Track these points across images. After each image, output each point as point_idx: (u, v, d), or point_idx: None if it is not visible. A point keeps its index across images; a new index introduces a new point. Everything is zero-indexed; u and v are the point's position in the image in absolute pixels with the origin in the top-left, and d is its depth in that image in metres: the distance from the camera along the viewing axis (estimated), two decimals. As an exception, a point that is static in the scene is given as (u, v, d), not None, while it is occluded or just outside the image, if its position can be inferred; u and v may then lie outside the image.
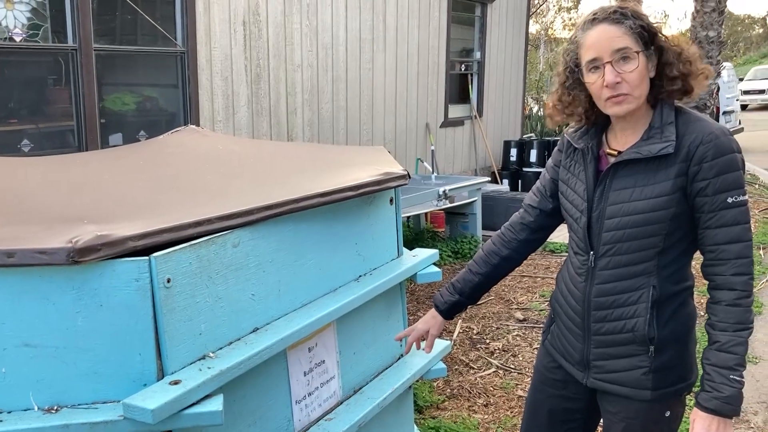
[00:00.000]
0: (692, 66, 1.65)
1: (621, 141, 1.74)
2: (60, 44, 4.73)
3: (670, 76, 1.65)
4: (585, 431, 2.01)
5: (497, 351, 4.39)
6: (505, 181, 9.21)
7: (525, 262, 6.88)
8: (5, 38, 4.46)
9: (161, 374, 1.61)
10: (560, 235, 7.31)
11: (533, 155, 9.29)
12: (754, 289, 5.04)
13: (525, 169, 9.26)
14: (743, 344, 1.58)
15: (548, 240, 7.39)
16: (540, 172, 9.34)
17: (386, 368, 2.47)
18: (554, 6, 26.63)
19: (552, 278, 5.93)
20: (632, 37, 1.61)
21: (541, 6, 21.55)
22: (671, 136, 1.62)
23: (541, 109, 13.18)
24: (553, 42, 23.50)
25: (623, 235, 1.68)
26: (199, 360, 1.69)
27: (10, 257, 1.48)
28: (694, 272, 1.78)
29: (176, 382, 1.57)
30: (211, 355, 1.72)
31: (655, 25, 1.64)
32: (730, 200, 1.58)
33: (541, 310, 5.11)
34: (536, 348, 4.40)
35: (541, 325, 4.79)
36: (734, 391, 1.57)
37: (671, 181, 1.61)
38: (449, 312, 2.11)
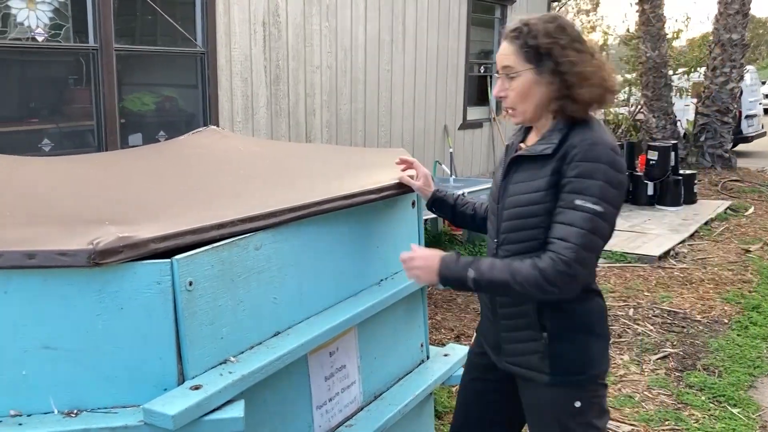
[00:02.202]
0: (587, 83, 1.70)
1: (529, 142, 1.87)
2: (81, 44, 4.74)
3: (564, 93, 1.72)
4: (511, 417, 2.02)
5: (517, 356, 4.34)
6: (525, 185, 9.12)
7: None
8: (27, 38, 4.48)
9: (182, 379, 1.58)
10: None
11: (552, 158, 9.21)
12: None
13: (544, 173, 9.19)
14: (500, 277, 1.69)
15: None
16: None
17: (407, 374, 2.43)
18: (573, 9, 26.48)
19: (572, 283, 5.86)
20: (521, 55, 1.72)
21: (559, 9, 21.42)
22: (554, 140, 1.73)
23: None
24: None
25: (513, 225, 1.79)
26: (220, 364, 1.67)
27: (31, 258, 1.47)
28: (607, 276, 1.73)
29: (197, 387, 1.54)
30: (233, 359, 1.69)
31: (558, 42, 1.69)
32: (578, 202, 1.64)
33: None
34: (556, 354, 4.35)
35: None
36: (458, 273, 1.74)
37: (547, 178, 1.71)
38: (436, 200, 2.17)
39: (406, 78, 7.75)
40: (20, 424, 1.48)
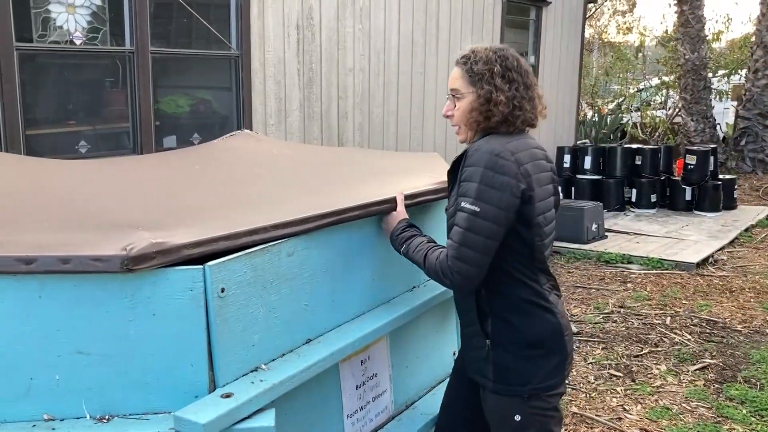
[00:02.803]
0: (500, 107, 1.87)
1: None
2: (117, 47, 4.81)
3: (485, 114, 1.89)
4: (484, 419, 2.04)
5: (550, 364, 4.27)
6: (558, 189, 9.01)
7: (579, 273, 6.60)
8: (66, 41, 4.55)
9: (213, 386, 1.57)
10: (616, 245, 7.14)
11: (587, 162, 9.06)
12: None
13: (579, 176, 9.04)
14: (418, 259, 1.89)
15: (603, 250, 7.12)
16: (594, 180, 9.03)
17: (439, 383, 2.39)
18: (609, 9, 26.11)
19: (607, 290, 5.76)
20: (466, 79, 1.91)
21: (595, 10, 21.14)
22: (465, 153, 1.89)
23: (596, 115, 12.91)
24: (607, 46, 23.04)
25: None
26: (252, 372, 1.65)
27: (66, 263, 1.47)
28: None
29: (228, 395, 1.53)
30: (264, 367, 1.67)
31: (491, 69, 1.87)
32: (462, 204, 1.80)
33: (595, 323, 4.96)
34: (591, 363, 4.26)
35: (596, 339, 4.64)
36: (395, 244, 1.99)
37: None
38: None
39: (439, 81, 7.71)
40: (53, 429, 1.48)
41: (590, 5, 12.12)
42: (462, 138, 1.98)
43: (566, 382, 1.99)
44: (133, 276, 1.51)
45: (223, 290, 1.57)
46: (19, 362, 1.49)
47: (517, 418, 1.88)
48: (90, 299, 1.50)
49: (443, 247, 1.86)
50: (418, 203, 2.16)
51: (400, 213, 2.06)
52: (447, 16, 7.73)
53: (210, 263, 1.55)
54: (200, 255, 1.58)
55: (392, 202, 2.07)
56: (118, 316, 1.51)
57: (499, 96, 1.86)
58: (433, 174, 2.37)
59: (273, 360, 1.71)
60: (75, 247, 1.51)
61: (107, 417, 1.52)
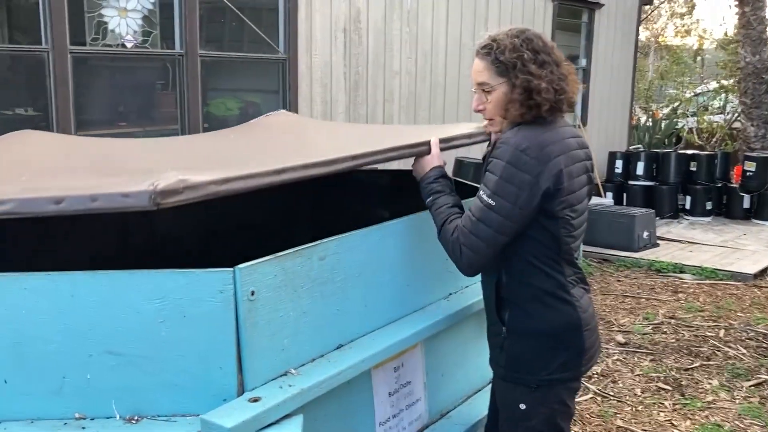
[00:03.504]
0: (543, 93, 1.80)
1: None
2: (168, 50, 4.89)
3: (526, 103, 1.82)
4: None
5: (595, 376, 4.14)
6: (609, 194, 8.78)
7: (629, 282, 6.43)
8: (118, 44, 4.66)
9: (241, 389, 1.56)
10: (668, 253, 6.92)
11: (640, 168, 8.81)
12: None
13: (631, 182, 8.80)
14: (437, 221, 1.90)
15: (654, 258, 6.90)
16: (647, 186, 8.78)
17: (476, 392, 2.34)
18: (666, 12, 25.46)
19: (658, 299, 5.58)
20: (492, 71, 1.84)
21: (652, 12, 20.63)
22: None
23: (650, 120, 12.58)
24: (664, 50, 22.45)
25: None
26: (281, 377, 1.63)
27: (94, 201, 1.45)
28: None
29: (256, 400, 1.52)
30: (293, 371, 1.66)
31: (522, 57, 1.81)
32: (479, 193, 1.81)
33: (644, 334, 4.80)
34: (638, 375, 4.13)
35: (644, 350, 4.50)
36: (423, 193, 1.98)
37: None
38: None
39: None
40: (83, 428, 1.49)
41: (646, 7, 11.82)
42: (497, 129, 1.94)
43: (581, 378, 1.97)
44: (164, 276, 1.51)
45: (253, 293, 1.56)
46: (52, 361, 1.51)
47: (522, 407, 1.88)
48: (122, 299, 1.51)
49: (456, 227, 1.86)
50: (454, 147, 2.11)
51: (434, 157, 2.02)
52: (496, 18, 7.64)
53: (240, 266, 1.54)
54: (227, 193, 1.54)
55: (426, 145, 2.03)
56: (149, 317, 1.52)
57: (540, 83, 1.79)
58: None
59: (303, 365, 1.69)
60: (104, 188, 1.50)
61: (136, 418, 1.53)
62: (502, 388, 1.96)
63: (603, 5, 9.19)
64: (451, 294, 2.18)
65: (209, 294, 1.53)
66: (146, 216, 3.42)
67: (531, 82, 1.79)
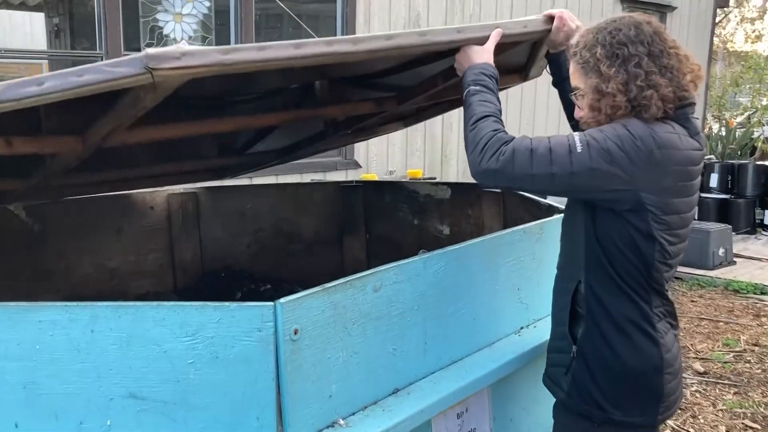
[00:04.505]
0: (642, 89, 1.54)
1: None
2: (222, 56, 4.77)
3: (628, 103, 1.56)
4: None
5: (672, 408, 3.79)
6: (680, 208, 8.32)
7: (704, 302, 5.98)
8: (172, 50, 4.56)
9: (281, 444, 1.34)
10: (746, 272, 6.44)
11: (714, 179, 8.30)
12: None
13: (704, 195, 8.29)
14: (476, 110, 1.65)
15: (732, 278, 6.44)
16: (722, 199, 8.26)
17: (548, 438, 2.07)
18: (736, 17, 24.43)
19: (738, 324, 5.15)
20: (582, 72, 1.61)
21: (723, 18, 19.77)
22: None
23: (723, 129, 11.94)
24: (733, 56, 21.49)
25: None
26: (328, 428, 1.42)
27: (81, 76, 1.25)
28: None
29: (297, 457, 1.30)
30: (341, 422, 1.43)
31: (595, 54, 1.57)
32: (573, 132, 1.57)
33: (725, 363, 4.40)
34: (721, 409, 3.75)
35: (726, 381, 4.10)
36: (468, 78, 1.70)
37: None
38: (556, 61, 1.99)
39: (550, 89, 7.28)
40: (101, 482, 1.30)
41: (718, 10, 11.23)
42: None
43: (658, 426, 1.72)
44: (194, 311, 1.31)
45: (296, 332, 1.35)
46: (69, 403, 1.33)
47: None
48: (147, 336, 1.31)
49: (506, 131, 1.61)
50: (518, 42, 1.87)
51: (486, 50, 1.74)
52: (562, 22, 7.30)
53: (282, 300, 1.33)
54: (234, 64, 1.31)
55: (481, 30, 1.76)
56: (177, 357, 1.32)
57: (609, 85, 1.54)
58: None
59: (353, 414, 1.47)
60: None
61: (160, 472, 1.33)
62: (560, 416, 1.75)
63: (675, 8, 8.74)
64: (522, 328, 1.92)
65: (245, 332, 1.32)
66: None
67: (599, 84, 1.56)
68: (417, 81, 2.09)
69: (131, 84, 1.28)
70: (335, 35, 5.42)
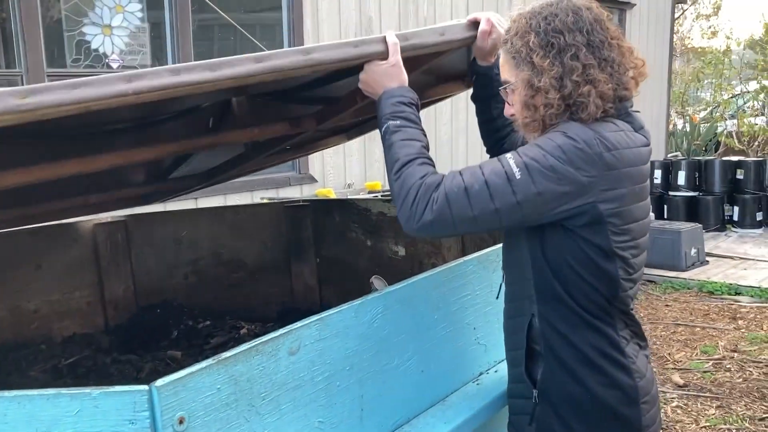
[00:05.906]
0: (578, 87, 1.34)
1: None
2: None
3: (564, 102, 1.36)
4: None
5: (653, 428, 3.55)
6: (648, 207, 8.17)
7: (679, 306, 5.76)
8: (102, 65, 4.22)
9: None
10: (719, 272, 6.27)
11: (681, 177, 8.16)
12: None
13: (672, 194, 8.15)
14: (399, 148, 1.43)
15: (705, 279, 6.26)
16: (690, 197, 8.13)
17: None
18: (692, 14, 24.68)
19: (715, 328, 4.95)
20: (513, 63, 1.41)
21: (679, 15, 19.90)
22: None
23: (687, 125, 11.93)
24: (690, 53, 21.67)
25: None
26: None
27: None
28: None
29: None
30: None
31: (528, 43, 1.36)
32: (507, 156, 1.34)
33: (704, 372, 4.18)
34: (705, 426, 3.52)
35: (708, 394, 3.88)
36: (382, 111, 1.48)
37: None
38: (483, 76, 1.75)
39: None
40: None
41: (679, 5, 11.19)
42: (529, 132, 1.45)
43: None
44: (45, 401, 1.00)
45: (182, 421, 1.04)
46: None
47: None
48: (-18, 439, 1.00)
49: (435, 171, 1.40)
50: (422, 52, 1.55)
51: (394, 66, 1.47)
52: (520, 23, 7.11)
53: (160, 382, 1.02)
54: (37, 117, 1.01)
55: (380, 44, 1.48)
56: (24, 462, 1.00)
57: (542, 79, 1.34)
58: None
59: None
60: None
61: None
62: None
63: (634, 5, 8.63)
64: (481, 374, 1.64)
65: (113, 426, 1.01)
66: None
67: (532, 78, 1.36)
68: (345, 93, 1.80)
69: None
70: (282, 44, 5.12)
